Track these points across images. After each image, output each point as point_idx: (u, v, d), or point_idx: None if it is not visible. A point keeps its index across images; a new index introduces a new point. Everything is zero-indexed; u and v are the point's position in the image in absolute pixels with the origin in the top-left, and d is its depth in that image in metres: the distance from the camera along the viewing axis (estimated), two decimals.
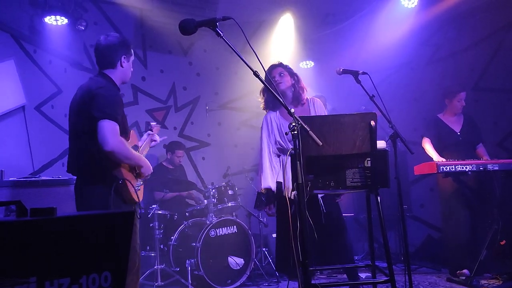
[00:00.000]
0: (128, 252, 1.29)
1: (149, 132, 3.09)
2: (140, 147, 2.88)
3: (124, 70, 2.70)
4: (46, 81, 4.80)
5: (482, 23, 5.35)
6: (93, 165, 2.47)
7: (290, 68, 3.49)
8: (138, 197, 2.59)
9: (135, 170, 2.63)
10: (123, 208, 2.53)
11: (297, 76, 3.45)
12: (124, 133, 2.57)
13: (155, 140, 3.07)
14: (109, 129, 2.38)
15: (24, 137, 4.37)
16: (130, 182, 2.49)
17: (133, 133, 2.79)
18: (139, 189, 2.68)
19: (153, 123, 3.25)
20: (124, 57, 2.67)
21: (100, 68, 2.69)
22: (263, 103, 3.49)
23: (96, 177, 2.48)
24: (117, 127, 2.42)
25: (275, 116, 3.42)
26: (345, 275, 3.75)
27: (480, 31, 5.39)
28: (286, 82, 3.39)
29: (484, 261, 3.99)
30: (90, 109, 2.42)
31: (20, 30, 4.32)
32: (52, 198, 3.24)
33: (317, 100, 3.48)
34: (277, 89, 3.27)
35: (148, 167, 2.66)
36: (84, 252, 1.18)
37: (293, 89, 3.40)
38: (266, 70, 3.35)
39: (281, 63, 3.52)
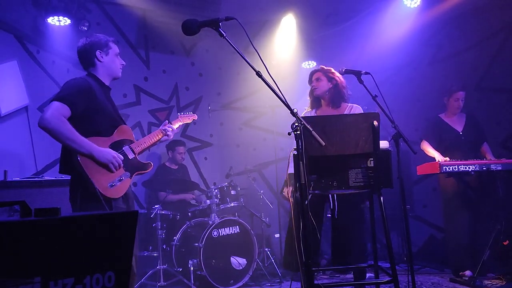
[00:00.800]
0: (132, 252, 1.29)
1: (165, 122, 3.07)
2: (140, 141, 2.84)
3: (105, 65, 2.76)
4: (49, 81, 4.81)
5: (484, 23, 5.33)
6: (63, 158, 2.54)
7: (331, 72, 3.51)
8: (110, 193, 2.51)
9: (97, 161, 2.52)
10: (91, 205, 2.47)
11: (336, 81, 3.47)
12: (100, 124, 2.60)
13: (168, 134, 3.01)
14: (51, 108, 2.42)
15: (27, 137, 4.38)
16: (91, 179, 2.43)
17: (124, 128, 2.77)
18: (115, 185, 2.56)
19: (184, 114, 3.29)
20: (99, 52, 2.74)
21: (86, 69, 2.80)
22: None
23: (67, 171, 2.54)
24: (65, 108, 2.45)
25: (310, 114, 3.56)
26: (347, 276, 3.75)
27: (482, 31, 5.38)
28: (321, 87, 3.47)
29: (487, 261, 3.98)
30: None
31: (23, 31, 4.34)
32: (55, 198, 3.25)
33: (356, 107, 3.49)
34: (313, 94, 3.50)
35: (104, 154, 2.51)
36: (88, 252, 1.19)
37: (328, 93, 3.47)
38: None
39: (322, 67, 3.58)
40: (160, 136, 2.99)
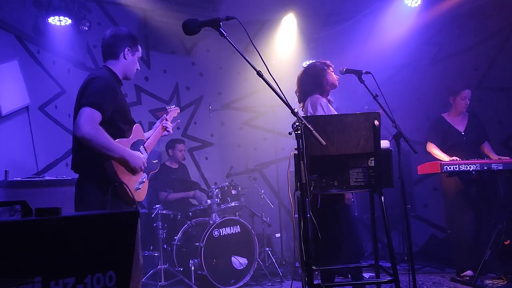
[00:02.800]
0: (133, 251, 1.29)
1: (164, 116, 3.02)
2: (147, 139, 2.79)
3: (127, 63, 2.67)
4: (50, 81, 4.81)
5: (486, 22, 5.33)
6: (86, 160, 2.41)
7: None
8: (137, 197, 2.52)
9: (129, 166, 2.48)
10: (123, 208, 2.47)
11: None
12: (122, 125, 2.53)
13: (168, 130, 2.98)
14: (85, 115, 2.31)
15: (28, 137, 4.38)
16: (126, 185, 2.38)
17: (137, 127, 2.71)
18: (140, 188, 2.58)
19: (170, 107, 3.20)
20: (128, 49, 2.65)
21: (104, 60, 2.68)
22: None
23: (91, 174, 2.41)
24: (97, 114, 2.35)
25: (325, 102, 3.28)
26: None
27: (484, 31, 5.38)
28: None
29: (489, 261, 3.98)
30: (80, 100, 2.42)
31: (24, 31, 4.34)
32: (56, 198, 3.25)
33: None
34: (333, 80, 3.26)
35: (136, 159, 2.48)
36: (89, 252, 1.19)
37: None
38: (322, 60, 3.36)
39: None
40: (162, 132, 2.97)
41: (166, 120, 3.04)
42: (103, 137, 2.33)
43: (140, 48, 2.75)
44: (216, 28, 2.20)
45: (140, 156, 2.54)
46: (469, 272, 4.10)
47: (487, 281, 3.96)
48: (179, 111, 3.38)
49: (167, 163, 5.45)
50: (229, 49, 2.24)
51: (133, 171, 2.50)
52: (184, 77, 6.33)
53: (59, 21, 4.55)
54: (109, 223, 1.25)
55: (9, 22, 4.10)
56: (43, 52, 4.73)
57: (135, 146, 2.62)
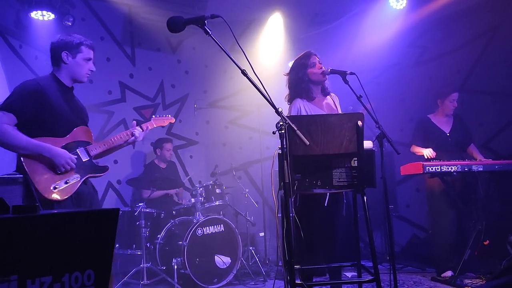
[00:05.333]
0: (113, 250, 1.28)
1: (133, 124, 3.03)
2: (99, 143, 2.81)
3: (69, 67, 2.74)
4: (32, 76, 4.71)
5: (468, 25, 5.41)
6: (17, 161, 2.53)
7: None
8: (51, 195, 2.47)
9: (53, 163, 2.52)
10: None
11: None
12: (52, 125, 2.59)
13: (135, 135, 2.95)
14: None
15: None
16: (31, 181, 2.41)
17: (82, 129, 2.74)
18: (57, 187, 2.51)
19: (158, 116, 3.28)
20: (66, 53, 2.72)
21: (52, 67, 2.81)
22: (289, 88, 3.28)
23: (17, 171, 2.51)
24: (7, 116, 2.47)
25: (304, 103, 3.19)
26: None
27: (466, 34, 5.46)
28: (324, 70, 3.15)
29: (468, 260, 4.05)
30: None
31: (6, 25, 4.26)
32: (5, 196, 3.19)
33: (336, 96, 3.39)
34: (316, 76, 3.14)
35: (57, 156, 2.52)
36: (67, 250, 1.17)
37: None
38: (300, 56, 3.26)
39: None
40: (126, 138, 2.93)
41: (141, 128, 3.03)
42: (10, 135, 2.45)
43: (84, 49, 2.76)
44: (201, 26, 2.19)
45: (65, 155, 2.56)
46: (449, 273, 4.16)
47: (467, 281, 4.02)
48: (173, 121, 3.41)
49: (155, 161, 5.41)
50: (215, 47, 2.23)
51: (56, 168, 2.53)
52: (170, 74, 6.29)
53: (42, 16, 4.49)
54: (88, 221, 1.23)
55: None
56: (25, 47, 4.65)
57: (71, 146, 2.65)
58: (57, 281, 1.13)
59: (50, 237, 1.14)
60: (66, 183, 2.56)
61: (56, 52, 2.73)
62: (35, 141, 2.50)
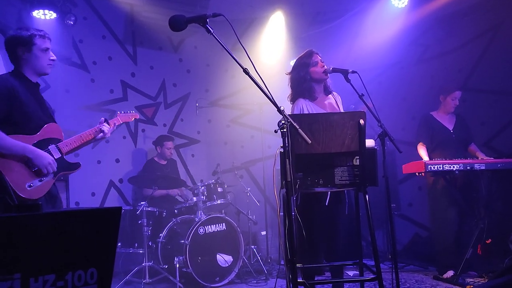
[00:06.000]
0: (115, 248, 1.28)
1: (101, 121, 3.01)
2: (70, 140, 2.80)
3: (28, 61, 2.68)
4: None
5: (470, 25, 5.40)
6: None
7: None
8: (27, 194, 2.47)
9: (30, 163, 2.52)
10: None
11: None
12: (21, 123, 2.56)
13: (103, 131, 2.94)
14: None
15: None
16: (6, 180, 2.40)
17: (51, 126, 2.72)
18: (32, 186, 2.52)
19: (123, 112, 3.25)
20: (21, 48, 2.67)
21: (12, 65, 2.75)
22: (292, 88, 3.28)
23: None
24: None
25: (306, 103, 3.19)
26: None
27: (468, 32, 5.44)
28: (326, 69, 3.15)
29: (470, 259, 4.04)
30: None
31: (8, 24, 4.26)
32: None
33: (338, 96, 3.39)
34: (318, 75, 3.15)
35: (39, 157, 2.53)
36: (70, 248, 1.17)
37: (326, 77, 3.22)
38: (302, 54, 3.25)
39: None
40: (93, 135, 2.93)
41: (108, 123, 3.02)
42: None
43: (38, 40, 2.71)
44: (202, 25, 2.18)
45: (48, 157, 2.57)
46: (450, 273, 4.15)
47: (469, 279, 4.02)
48: (136, 116, 3.42)
49: (155, 159, 5.43)
50: (217, 46, 2.23)
51: (38, 168, 2.53)
52: (171, 73, 6.29)
53: (43, 15, 4.49)
54: (91, 220, 1.23)
55: None
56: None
57: (41, 143, 2.63)
58: (61, 279, 1.13)
59: (53, 236, 1.14)
60: (40, 181, 2.56)
61: (11, 49, 2.68)
62: (19, 142, 2.49)
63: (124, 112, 3.31)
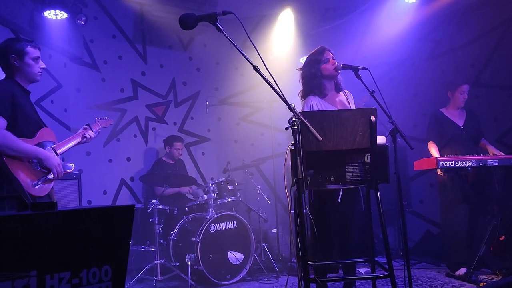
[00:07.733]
0: (129, 246, 1.29)
1: (85, 126, 3.20)
2: (62, 142, 2.96)
3: (20, 69, 2.79)
4: (46, 76, 4.79)
5: (482, 19, 5.33)
6: None
7: None
8: (34, 192, 2.62)
9: (41, 165, 2.69)
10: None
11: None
12: (23, 127, 2.68)
13: (86, 136, 3.13)
14: None
15: None
16: (16, 177, 2.54)
17: (47, 130, 2.87)
18: (39, 184, 2.67)
19: (100, 119, 3.43)
20: (14, 56, 2.76)
21: (4, 72, 2.86)
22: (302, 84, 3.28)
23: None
24: (2, 120, 2.57)
25: (316, 100, 3.19)
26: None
27: (480, 27, 5.38)
28: (336, 66, 3.15)
29: (483, 256, 4.00)
30: None
31: (20, 25, 4.30)
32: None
33: (350, 93, 3.38)
34: (329, 72, 3.15)
35: (49, 159, 2.70)
36: (85, 246, 1.19)
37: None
38: (313, 51, 3.25)
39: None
40: (79, 140, 3.11)
41: (91, 129, 3.21)
42: (12, 140, 2.56)
43: (30, 49, 2.82)
44: (213, 23, 2.19)
45: (56, 159, 2.76)
46: (462, 270, 4.11)
47: (482, 277, 3.98)
48: (111, 122, 3.63)
49: (163, 158, 5.46)
50: (227, 44, 2.24)
51: (42, 167, 2.70)
52: (181, 72, 6.31)
53: (55, 15, 4.52)
54: (104, 217, 1.24)
55: (5, 16, 4.07)
56: (39, 46, 4.70)
57: (40, 146, 2.77)
58: (76, 276, 1.14)
59: (68, 234, 1.15)
60: (44, 181, 2.71)
61: (4, 57, 2.78)
62: (31, 145, 2.66)
63: (101, 118, 3.49)
